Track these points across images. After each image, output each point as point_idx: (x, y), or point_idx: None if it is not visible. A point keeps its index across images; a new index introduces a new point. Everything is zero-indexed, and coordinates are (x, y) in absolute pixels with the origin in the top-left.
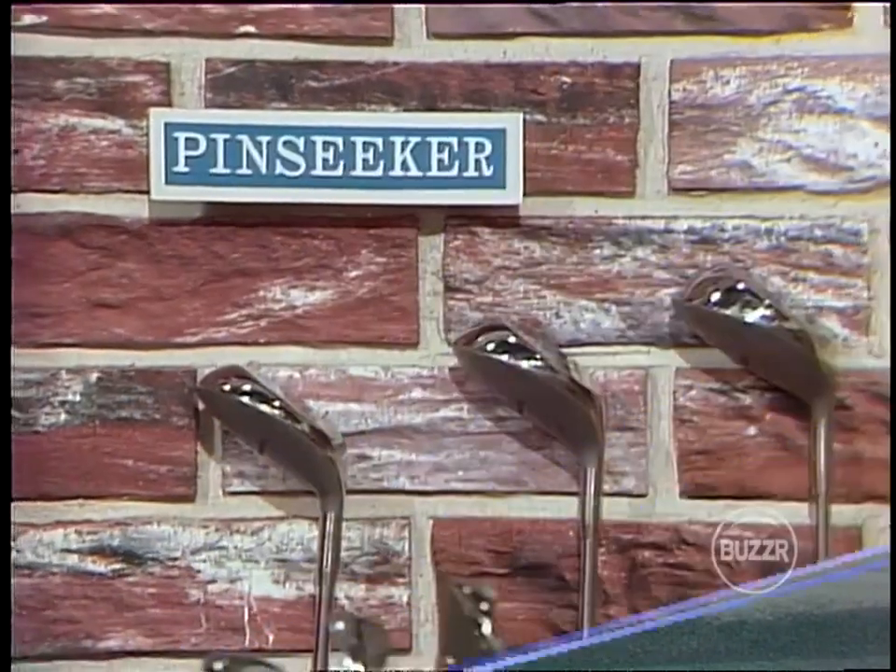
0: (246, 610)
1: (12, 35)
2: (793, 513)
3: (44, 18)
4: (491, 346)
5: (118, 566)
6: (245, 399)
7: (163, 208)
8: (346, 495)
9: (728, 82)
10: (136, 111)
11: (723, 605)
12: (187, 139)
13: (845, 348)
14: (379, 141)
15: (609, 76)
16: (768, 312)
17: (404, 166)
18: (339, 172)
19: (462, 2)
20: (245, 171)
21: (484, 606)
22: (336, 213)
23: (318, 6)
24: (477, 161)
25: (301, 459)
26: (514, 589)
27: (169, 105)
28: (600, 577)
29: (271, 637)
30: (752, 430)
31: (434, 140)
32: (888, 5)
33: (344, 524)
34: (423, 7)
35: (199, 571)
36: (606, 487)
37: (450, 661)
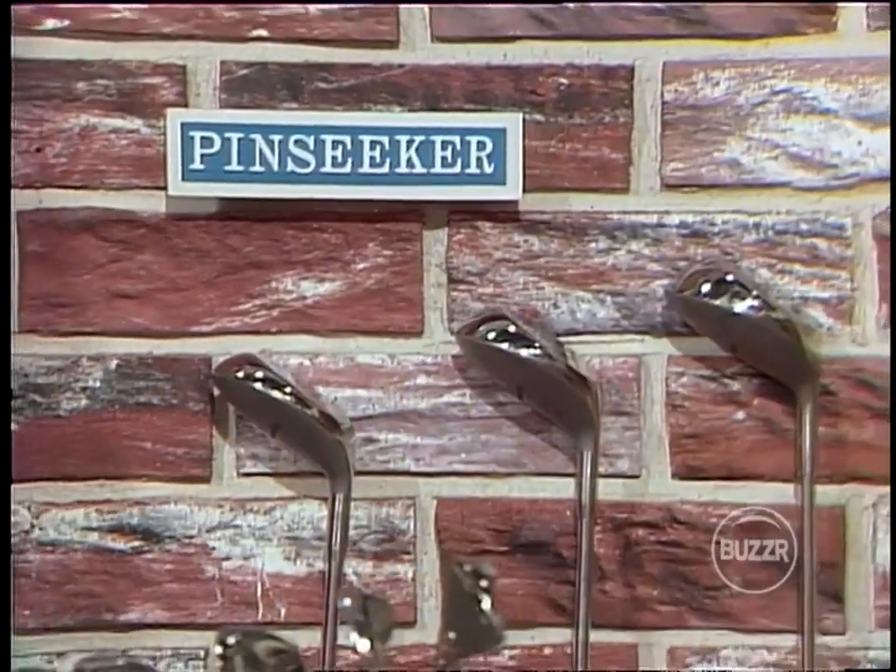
0: (259, 586)
1: (33, 38)
2: (780, 493)
3: (66, 22)
4: (492, 335)
5: (136, 543)
6: (258, 386)
7: (180, 203)
8: (354, 476)
9: (718, 84)
10: (154, 111)
11: None
12: (202, 138)
13: (829, 337)
14: (385, 139)
15: (605, 77)
16: (756, 302)
17: (409, 163)
18: (347, 169)
19: (464, 2)
20: (257, 168)
21: (484, 583)
22: (344, 208)
23: (327, 9)
24: (479, 159)
25: (312, 442)
26: (514, 566)
27: (185, 105)
28: (596, 554)
29: (283, 611)
30: (741, 415)
31: (438, 139)
32: (869, 9)
33: (353, 503)
34: (426, 6)
35: (214, 549)
36: (601, 469)
37: (451, 635)
